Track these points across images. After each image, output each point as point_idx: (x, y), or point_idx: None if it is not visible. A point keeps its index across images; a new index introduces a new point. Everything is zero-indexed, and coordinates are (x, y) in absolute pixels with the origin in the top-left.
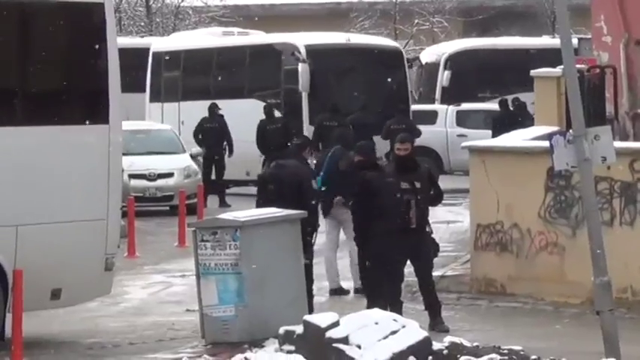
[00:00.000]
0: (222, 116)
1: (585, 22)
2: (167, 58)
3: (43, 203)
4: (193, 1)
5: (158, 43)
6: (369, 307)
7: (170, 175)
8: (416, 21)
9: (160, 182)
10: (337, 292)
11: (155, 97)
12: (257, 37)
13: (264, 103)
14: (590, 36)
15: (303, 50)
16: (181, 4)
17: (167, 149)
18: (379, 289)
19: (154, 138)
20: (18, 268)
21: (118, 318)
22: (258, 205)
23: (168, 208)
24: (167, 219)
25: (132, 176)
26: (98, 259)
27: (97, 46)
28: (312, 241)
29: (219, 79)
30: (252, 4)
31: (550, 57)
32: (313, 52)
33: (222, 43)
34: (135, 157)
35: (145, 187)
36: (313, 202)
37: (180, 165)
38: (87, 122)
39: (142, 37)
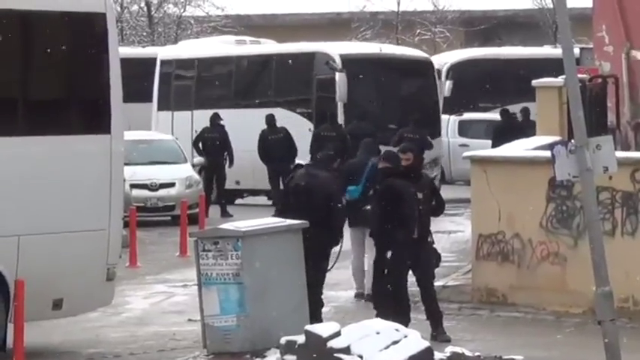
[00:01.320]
0: (223, 126)
1: (587, 32)
2: (178, 66)
3: (45, 213)
4: (195, 11)
5: (166, 52)
6: (381, 314)
7: (172, 185)
8: (418, 31)
9: (162, 192)
10: (361, 296)
11: (164, 106)
12: (284, 46)
13: (291, 112)
14: (591, 46)
15: (338, 59)
16: (183, 14)
17: (169, 159)
18: (399, 296)
19: (155, 148)
20: (20, 278)
21: (120, 328)
22: (281, 214)
23: (169, 218)
24: (169, 229)
25: (134, 186)
26: (100, 269)
27: (98, 56)
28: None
29: (241, 87)
30: (254, 14)
31: (552, 67)
32: (347, 61)
33: (243, 52)
34: (137, 166)
35: (146, 197)
36: (341, 220)
37: (181, 175)
38: (89, 132)
39: (144, 47)
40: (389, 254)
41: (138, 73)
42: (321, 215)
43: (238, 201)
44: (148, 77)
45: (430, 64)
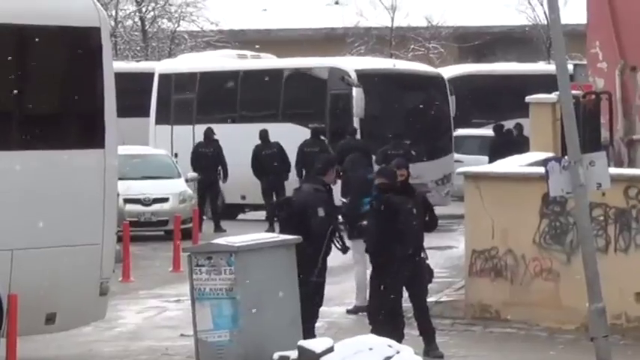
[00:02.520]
0: (217, 141)
1: (581, 48)
2: (178, 79)
3: (38, 227)
4: (189, 26)
5: (164, 66)
6: (376, 330)
7: (165, 199)
8: (411, 46)
9: (155, 207)
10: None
11: (162, 120)
12: (295, 61)
13: (303, 127)
14: (585, 62)
15: (353, 75)
16: (177, 29)
17: (162, 174)
18: (394, 312)
19: (149, 163)
20: (13, 293)
21: (113, 343)
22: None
23: (163, 232)
24: (162, 244)
25: (127, 201)
26: (93, 284)
27: (93, 71)
28: (319, 265)
29: (248, 101)
30: (248, 29)
31: (545, 83)
32: (362, 76)
33: (250, 66)
34: (130, 181)
35: (140, 211)
36: (317, 230)
37: (175, 190)
38: (82, 146)
39: (138, 61)
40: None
41: (136, 87)
42: (299, 229)
43: (240, 216)
44: (145, 92)
45: (443, 79)
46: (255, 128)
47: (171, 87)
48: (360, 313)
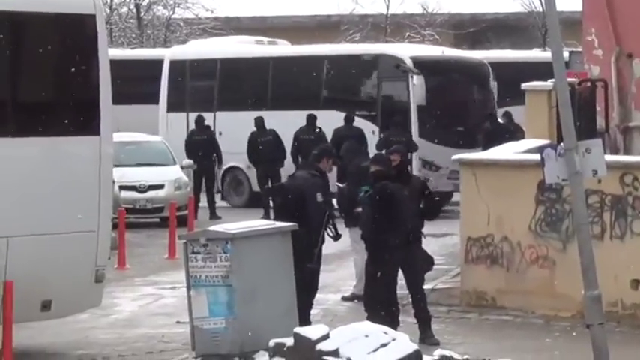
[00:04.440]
0: (209, 127)
1: (576, 36)
2: (195, 66)
3: (34, 215)
4: (184, 13)
5: (177, 52)
6: (372, 317)
7: (161, 187)
8: (407, 34)
9: (151, 194)
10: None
11: (176, 107)
12: (338, 47)
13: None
14: (581, 49)
15: (409, 62)
16: (172, 17)
17: (158, 161)
18: (389, 299)
19: (144, 150)
20: (8, 280)
21: (108, 330)
22: (269, 217)
23: (158, 219)
24: (157, 231)
25: (122, 188)
26: (88, 271)
27: (88, 58)
28: (317, 251)
29: (280, 88)
30: (243, 17)
31: (541, 70)
32: (417, 64)
33: (283, 53)
34: (125, 168)
35: (135, 198)
36: (315, 216)
37: (170, 177)
38: (78, 134)
39: (133, 49)
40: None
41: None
42: (295, 215)
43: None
44: (138, 79)
45: (487, 65)
46: (290, 115)
47: (186, 74)
48: (355, 301)
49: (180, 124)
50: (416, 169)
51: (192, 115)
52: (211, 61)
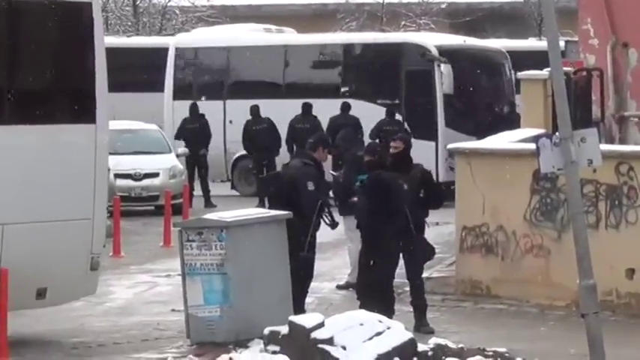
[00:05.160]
0: (203, 115)
1: (572, 25)
2: (202, 54)
3: (29, 202)
4: (180, 1)
5: (183, 39)
6: (364, 305)
7: (156, 175)
8: (403, 22)
9: (146, 182)
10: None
11: (182, 95)
12: (358, 36)
13: (370, 103)
14: (576, 38)
15: (434, 50)
16: (168, 4)
17: (153, 149)
18: (385, 288)
19: (140, 138)
20: (3, 267)
21: (103, 318)
22: (260, 206)
23: (153, 207)
24: (153, 219)
25: (118, 176)
26: (84, 259)
27: (84, 46)
28: (310, 240)
29: (295, 76)
30: (239, 5)
31: (537, 59)
32: (442, 52)
33: (299, 41)
34: (121, 156)
35: (130, 186)
36: (307, 204)
37: (166, 165)
38: (74, 121)
39: (129, 36)
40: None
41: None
42: (288, 204)
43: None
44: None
45: (507, 55)
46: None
47: (194, 61)
48: (350, 289)
49: (186, 112)
50: (442, 158)
51: (200, 103)
52: (221, 49)
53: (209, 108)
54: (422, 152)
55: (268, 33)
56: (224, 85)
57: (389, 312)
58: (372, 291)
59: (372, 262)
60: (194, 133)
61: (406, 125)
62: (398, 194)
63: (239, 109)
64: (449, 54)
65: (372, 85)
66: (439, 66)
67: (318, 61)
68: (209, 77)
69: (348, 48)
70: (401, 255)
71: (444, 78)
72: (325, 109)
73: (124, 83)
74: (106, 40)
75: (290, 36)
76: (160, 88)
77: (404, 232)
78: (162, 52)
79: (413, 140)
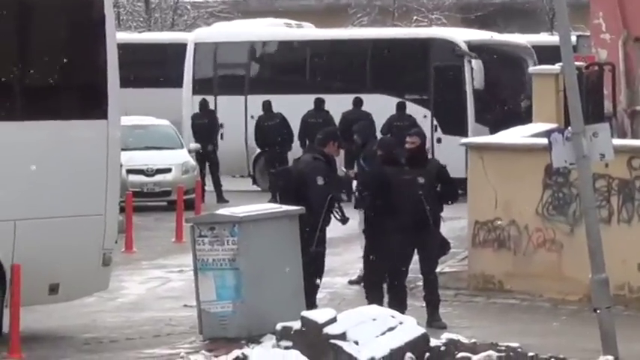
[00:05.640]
0: (213, 111)
1: (584, 19)
2: (224, 48)
3: (41, 198)
4: None
5: (202, 34)
6: (369, 300)
7: (168, 170)
8: (414, 17)
9: (158, 177)
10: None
11: (203, 90)
12: (387, 31)
13: (397, 99)
14: (588, 33)
15: (464, 46)
16: (180, 0)
17: (165, 144)
18: (393, 282)
19: (152, 133)
20: (16, 263)
21: (116, 313)
22: (272, 201)
23: (165, 203)
24: (165, 214)
25: (130, 171)
26: (96, 254)
27: (96, 41)
28: (319, 233)
29: (321, 72)
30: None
31: (548, 54)
32: (471, 48)
33: (324, 36)
34: (133, 152)
35: (142, 182)
36: (316, 199)
37: (178, 160)
38: (86, 117)
39: (141, 32)
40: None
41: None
42: (299, 197)
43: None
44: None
45: (532, 50)
46: (332, 99)
47: (214, 56)
48: (362, 284)
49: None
50: None
51: (221, 98)
52: (244, 44)
53: (230, 103)
54: (451, 148)
55: (293, 28)
56: (246, 80)
57: (401, 307)
58: (373, 287)
59: (371, 258)
60: (203, 129)
61: (435, 121)
62: (400, 190)
63: (260, 104)
64: (477, 49)
65: (400, 80)
66: (470, 61)
67: (343, 57)
68: (230, 72)
69: (374, 43)
70: (416, 250)
71: (475, 73)
72: (350, 105)
73: (135, 79)
74: (124, 36)
75: (316, 31)
76: (172, 83)
77: (409, 228)
78: (176, 47)
79: (442, 136)
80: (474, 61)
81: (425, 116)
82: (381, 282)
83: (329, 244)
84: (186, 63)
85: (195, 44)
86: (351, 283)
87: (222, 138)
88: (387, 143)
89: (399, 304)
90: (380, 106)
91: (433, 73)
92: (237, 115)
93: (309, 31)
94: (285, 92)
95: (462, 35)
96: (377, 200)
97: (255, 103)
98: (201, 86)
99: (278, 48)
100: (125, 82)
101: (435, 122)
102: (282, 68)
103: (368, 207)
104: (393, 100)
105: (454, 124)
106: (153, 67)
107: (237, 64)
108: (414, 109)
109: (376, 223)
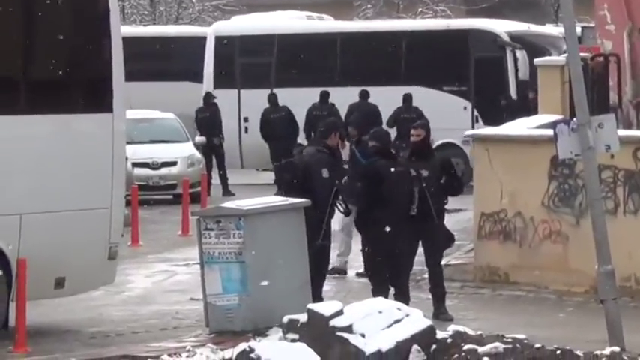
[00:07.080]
0: (215, 104)
1: (589, 11)
2: (247, 42)
3: (47, 192)
4: None
5: (223, 27)
6: (373, 294)
7: (173, 163)
8: (419, 9)
9: (164, 171)
10: (337, 271)
11: (224, 84)
12: (423, 22)
13: (437, 91)
14: (593, 24)
15: (506, 37)
16: None
17: (171, 138)
18: (378, 276)
19: (157, 127)
20: (22, 257)
21: (122, 307)
22: (278, 194)
23: (171, 196)
24: (170, 208)
25: (135, 165)
26: (102, 248)
27: (101, 34)
28: (325, 226)
29: (352, 64)
30: None
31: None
32: (512, 39)
33: (355, 28)
34: (138, 145)
35: (148, 175)
36: (321, 191)
37: (183, 154)
38: (91, 111)
39: (145, 25)
40: (387, 229)
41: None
42: (304, 190)
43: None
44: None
45: (562, 39)
46: (371, 91)
47: (236, 50)
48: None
49: (231, 100)
50: None
51: (244, 92)
52: (268, 37)
53: (255, 97)
54: None
55: (316, 20)
56: (271, 73)
57: (405, 298)
58: (379, 284)
59: (366, 250)
60: (206, 122)
61: (476, 112)
62: (391, 183)
63: (287, 98)
64: (517, 40)
65: (438, 72)
66: (513, 52)
67: (378, 49)
68: (254, 66)
69: (409, 35)
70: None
71: (519, 64)
72: (385, 96)
73: (141, 72)
74: (122, 30)
75: (346, 24)
76: (177, 77)
77: (401, 220)
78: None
79: (483, 126)
80: (518, 52)
81: (465, 107)
82: (384, 275)
83: (335, 237)
84: (207, 57)
85: (216, 37)
86: (358, 275)
87: (246, 132)
88: (380, 135)
89: (402, 295)
90: (417, 99)
91: (473, 64)
92: (261, 109)
93: (338, 24)
94: (314, 85)
95: (501, 26)
96: (364, 193)
97: (281, 96)
98: (222, 80)
99: (304, 41)
100: (130, 76)
101: (475, 113)
102: (308, 61)
103: (358, 198)
104: (430, 92)
105: (497, 116)
106: (158, 61)
107: (261, 58)
108: (452, 101)
109: (367, 215)
